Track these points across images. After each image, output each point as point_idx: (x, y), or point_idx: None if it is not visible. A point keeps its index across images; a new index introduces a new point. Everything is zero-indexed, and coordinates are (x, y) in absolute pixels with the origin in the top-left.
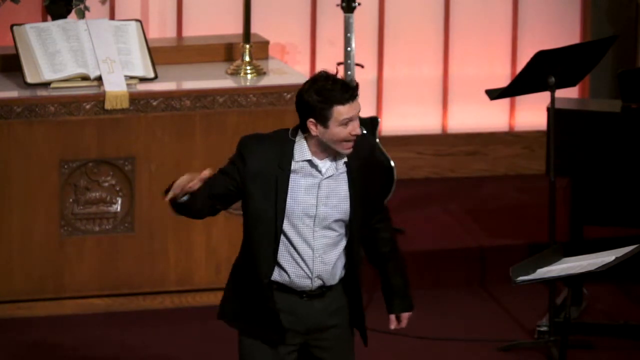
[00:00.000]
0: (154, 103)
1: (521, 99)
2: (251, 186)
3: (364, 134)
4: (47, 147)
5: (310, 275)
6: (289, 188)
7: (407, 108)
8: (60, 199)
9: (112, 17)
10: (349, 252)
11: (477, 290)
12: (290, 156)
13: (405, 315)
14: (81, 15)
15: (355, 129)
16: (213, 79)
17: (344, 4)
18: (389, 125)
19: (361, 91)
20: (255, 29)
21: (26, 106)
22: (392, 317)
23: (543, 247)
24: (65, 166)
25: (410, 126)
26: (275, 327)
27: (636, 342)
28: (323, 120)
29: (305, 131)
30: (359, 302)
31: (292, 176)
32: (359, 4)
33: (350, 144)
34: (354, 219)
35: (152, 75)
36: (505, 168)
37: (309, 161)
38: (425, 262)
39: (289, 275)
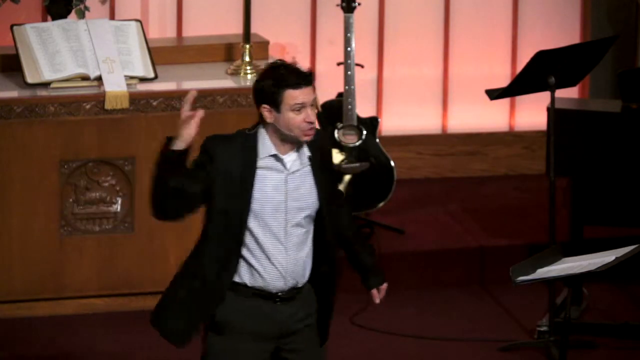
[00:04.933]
0: (154, 103)
1: (521, 99)
2: (218, 185)
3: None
4: (47, 147)
5: (284, 274)
6: (256, 185)
7: (407, 108)
8: (60, 199)
9: (112, 17)
10: (323, 247)
11: (477, 290)
12: (254, 152)
13: (384, 287)
14: (81, 15)
15: (308, 116)
16: (213, 79)
17: (344, 4)
18: (389, 125)
19: (361, 91)
20: (255, 29)
21: (26, 106)
22: (374, 292)
23: (543, 247)
24: (65, 166)
25: (410, 126)
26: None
27: (636, 342)
28: (275, 105)
29: (262, 121)
30: (331, 301)
31: (258, 172)
32: (359, 4)
33: (308, 132)
34: (321, 212)
35: (152, 75)
36: (505, 168)
37: (274, 156)
38: (425, 262)
39: (262, 277)
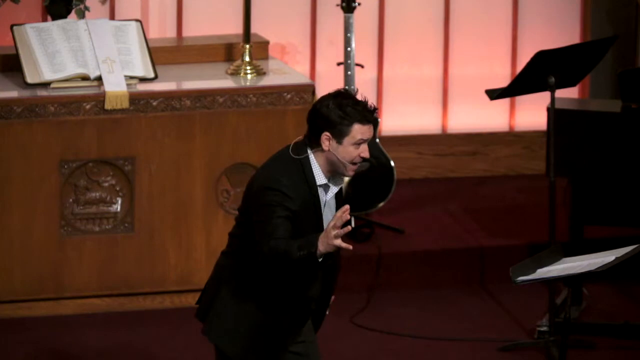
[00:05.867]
0: (154, 103)
1: (521, 99)
2: (297, 217)
3: None
4: (47, 147)
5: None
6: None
7: (407, 108)
8: (60, 199)
9: (112, 17)
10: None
11: (477, 290)
12: (314, 181)
13: None
14: (81, 15)
15: (365, 151)
16: (213, 79)
17: (344, 4)
18: (389, 125)
19: (361, 91)
20: (255, 29)
21: (26, 106)
22: None
23: (543, 247)
24: (65, 166)
25: (410, 126)
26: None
27: (636, 342)
28: (339, 135)
29: (314, 146)
30: (329, 302)
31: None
32: (359, 4)
33: (356, 167)
34: None
35: (152, 75)
36: (505, 168)
37: (324, 185)
38: (425, 262)
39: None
